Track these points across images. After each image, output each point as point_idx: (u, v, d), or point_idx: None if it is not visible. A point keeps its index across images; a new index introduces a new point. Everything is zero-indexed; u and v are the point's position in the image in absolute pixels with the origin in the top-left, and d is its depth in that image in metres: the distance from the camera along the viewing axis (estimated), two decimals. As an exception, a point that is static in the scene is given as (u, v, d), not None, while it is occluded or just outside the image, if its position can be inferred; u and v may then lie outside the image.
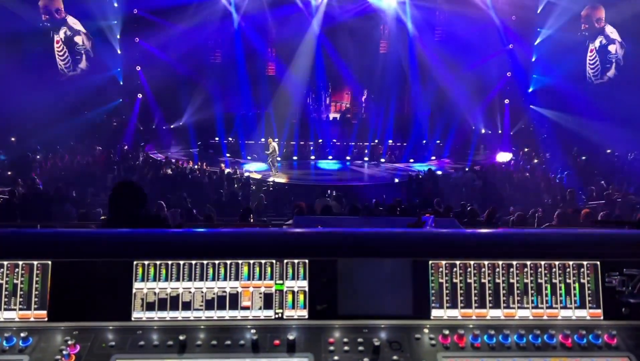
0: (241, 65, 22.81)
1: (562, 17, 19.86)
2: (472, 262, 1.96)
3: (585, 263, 1.97)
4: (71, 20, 19.99)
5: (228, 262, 1.93)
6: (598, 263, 1.97)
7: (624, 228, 2.24)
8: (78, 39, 20.26)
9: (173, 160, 19.82)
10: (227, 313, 1.91)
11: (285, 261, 1.94)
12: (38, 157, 17.95)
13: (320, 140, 23.83)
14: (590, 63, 20.05)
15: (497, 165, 20.12)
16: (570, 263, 1.97)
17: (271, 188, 17.51)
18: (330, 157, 23.22)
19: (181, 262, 1.92)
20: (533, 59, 21.71)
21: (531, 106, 21.97)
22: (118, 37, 21.11)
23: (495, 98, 22.50)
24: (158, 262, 1.91)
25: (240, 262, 1.93)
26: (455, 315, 1.93)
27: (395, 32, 23.14)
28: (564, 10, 19.64)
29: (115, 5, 20.60)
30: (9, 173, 16.24)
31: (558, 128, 20.27)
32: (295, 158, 22.95)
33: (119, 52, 21.18)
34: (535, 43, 21.39)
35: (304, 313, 1.91)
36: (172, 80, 21.72)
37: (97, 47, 20.65)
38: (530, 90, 21.99)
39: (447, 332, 1.85)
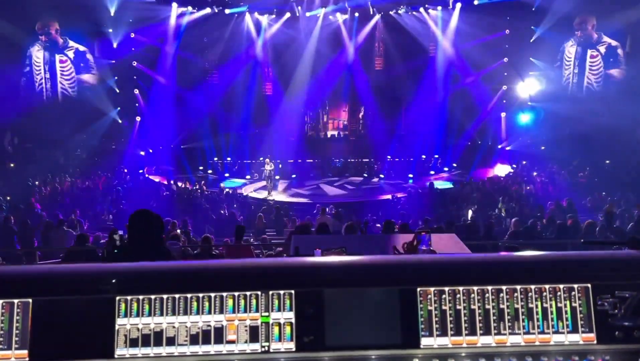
0: (238, 85, 22.97)
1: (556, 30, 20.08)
2: (461, 288, 1.92)
3: (576, 286, 1.93)
4: (70, 44, 20.19)
5: (212, 294, 1.90)
6: (589, 286, 1.93)
7: (614, 249, 2.21)
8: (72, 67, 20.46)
9: (172, 182, 19.83)
10: (212, 348, 1.87)
11: (270, 292, 1.91)
12: (37, 182, 17.93)
13: (317, 160, 23.88)
14: (592, 68, 20.12)
15: (495, 178, 20.12)
16: (561, 286, 1.93)
17: (271, 207, 17.47)
18: (330, 174, 23.25)
19: (164, 296, 1.89)
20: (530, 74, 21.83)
21: (524, 117, 22.00)
22: (113, 62, 21.17)
23: (493, 112, 22.56)
24: (141, 297, 1.88)
25: (224, 294, 1.90)
26: (445, 343, 1.89)
27: (390, 49, 23.36)
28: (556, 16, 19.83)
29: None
30: (8, 198, 16.22)
31: (557, 140, 20.33)
32: (293, 176, 22.96)
33: (115, 78, 21.30)
34: (530, 58, 21.55)
35: (291, 345, 1.88)
36: (169, 102, 21.85)
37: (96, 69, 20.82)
38: (528, 102, 22.05)
39: None
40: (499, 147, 22.74)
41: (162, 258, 3.80)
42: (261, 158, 22.20)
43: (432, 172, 22.44)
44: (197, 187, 19.61)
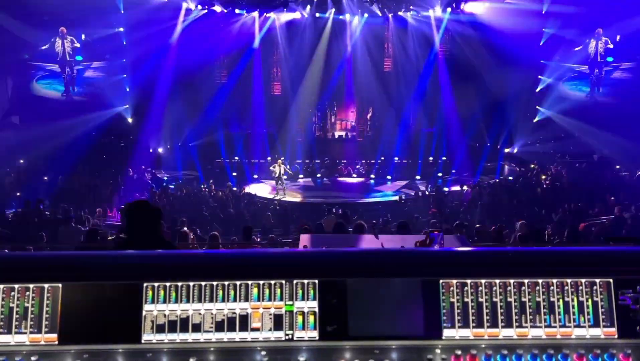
0: (247, 85, 23.05)
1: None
2: (483, 281, 1.94)
3: (597, 281, 1.94)
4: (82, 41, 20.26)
5: (238, 283, 1.92)
6: (611, 280, 1.94)
7: (637, 245, 2.22)
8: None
9: (180, 181, 19.90)
10: (237, 335, 1.89)
11: (295, 281, 1.93)
12: (45, 178, 18.05)
13: (327, 159, 23.91)
14: (605, 72, 19.98)
15: (504, 180, 20.06)
16: (583, 281, 1.94)
17: (277, 207, 17.53)
18: (336, 175, 23.28)
19: (191, 284, 1.91)
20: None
21: (534, 119, 21.95)
22: (124, 60, 21.24)
23: (501, 114, 22.44)
24: (168, 284, 1.91)
25: (249, 282, 1.93)
26: (467, 334, 1.91)
27: (399, 51, 23.39)
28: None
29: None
30: (18, 194, 16.34)
31: (566, 143, 20.31)
32: (301, 176, 22.99)
33: (124, 76, 21.37)
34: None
35: (315, 334, 1.90)
36: (178, 100, 21.94)
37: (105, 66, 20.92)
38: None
39: (459, 352, 1.83)
40: (507, 150, 22.67)
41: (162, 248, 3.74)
42: (269, 158, 22.32)
43: (440, 174, 22.40)
44: (205, 185, 19.68)
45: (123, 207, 15.37)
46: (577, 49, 19.64)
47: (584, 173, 19.00)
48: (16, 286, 1.88)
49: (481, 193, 17.22)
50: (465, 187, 18.59)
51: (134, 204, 4.02)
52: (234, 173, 22.50)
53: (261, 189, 20.95)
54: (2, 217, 13.64)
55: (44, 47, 19.15)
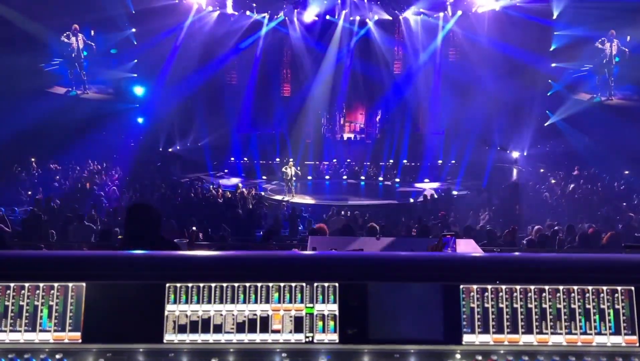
0: (256, 86, 23.14)
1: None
2: (504, 287, 1.94)
3: (619, 288, 1.94)
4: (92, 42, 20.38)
5: (259, 284, 1.94)
6: (632, 288, 1.93)
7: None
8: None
9: (189, 181, 19.99)
10: (257, 336, 1.91)
11: (315, 284, 1.94)
12: (58, 177, 18.19)
13: (334, 160, 23.93)
14: (616, 75, 19.81)
15: (512, 184, 19.96)
16: (604, 288, 1.94)
17: (286, 208, 17.56)
18: (345, 177, 23.29)
19: (213, 285, 1.93)
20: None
21: (544, 123, 21.86)
22: (135, 61, 21.38)
23: (511, 117, 22.37)
24: (190, 285, 1.93)
25: (271, 284, 1.94)
26: (487, 340, 1.91)
27: (409, 53, 23.40)
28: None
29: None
30: (29, 193, 16.47)
31: (574, 150, 20.22)
32: (309, 178, 23.02)
33: (135, 75, 21.49)
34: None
35: (335, 337, 1.90)
36: (188, 101, 22.03)
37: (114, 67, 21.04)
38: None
39: (479, 358, 1.83)
40: (516, 154, 22.56)
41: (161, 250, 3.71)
42: (278, 160, 22.39)
43: (449, 178, 22.35)
44: (214, 186, 19.74)
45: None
46: (597, 44, 19.35)
47: (593, 178, 18.87)
48: (41, 284, 1.91)
49: (490, 197, 17.15)
50: (474, 191, 18.54)
51: (133, 207, 4.03)
52: (243, 175, 22.59)
53: (270, 190, 20.99)
54: (13, 215, 13.75)
55: (62, 37, 19.30)
